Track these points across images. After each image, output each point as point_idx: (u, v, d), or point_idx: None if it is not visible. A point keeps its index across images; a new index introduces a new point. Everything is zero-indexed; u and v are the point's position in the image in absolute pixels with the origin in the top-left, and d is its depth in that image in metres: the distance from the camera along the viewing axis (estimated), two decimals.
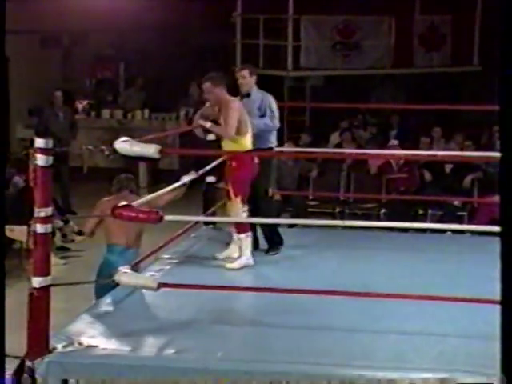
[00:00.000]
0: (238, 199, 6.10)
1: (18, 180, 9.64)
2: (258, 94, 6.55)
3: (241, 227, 6.13)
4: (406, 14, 13.84)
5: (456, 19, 13.89)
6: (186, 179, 6.07)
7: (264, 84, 15.06)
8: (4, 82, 4.47)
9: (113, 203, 5.91)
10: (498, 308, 4.85)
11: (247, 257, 6.09)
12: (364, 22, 13.64)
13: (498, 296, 4.96)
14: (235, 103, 6.10)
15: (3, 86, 4.43)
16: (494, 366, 4.28)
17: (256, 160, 6.17)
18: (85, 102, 14.55)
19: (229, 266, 6.04)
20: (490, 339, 4.65)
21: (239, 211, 6.10)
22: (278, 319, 5.02)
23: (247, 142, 6.13)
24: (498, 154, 10.07)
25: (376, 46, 13.62)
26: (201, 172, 6.53)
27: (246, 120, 6.13)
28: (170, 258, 6.27)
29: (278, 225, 6.71)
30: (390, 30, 13.64)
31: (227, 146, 6.12)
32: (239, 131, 6.06)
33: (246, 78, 6.50)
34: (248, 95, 6.49)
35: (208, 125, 6.16)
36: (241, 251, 6.12)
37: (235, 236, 6.23)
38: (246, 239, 6.12)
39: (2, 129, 4.49)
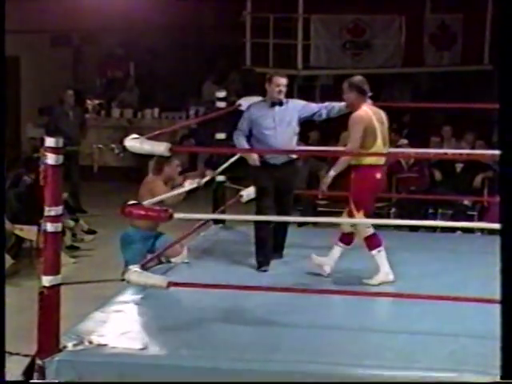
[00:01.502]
0: (361, 214, 5.70)
1: (26, 179, 9.66)
2: (290, 103, 6.27)
3: (370, 243, 5.75)
4: (417, 13, 13.80)
5: (467, 18, 13.84)
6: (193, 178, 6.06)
7: None
8: (4, 81, 4.47)
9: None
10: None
11: (385, 272, 5.70)
12: (374, 21, 13.60)
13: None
14: (361, 113, 5.71)
15: (3, 85, 4.44)
16: None
17: (378, 175, 5.72)
18: (95, 102, 14.57)
19: (366, 281, 5.69)
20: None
21: (365, 227, 5.72)
22: (288, 318, 5.01)
23: (374, 158, 5.70)
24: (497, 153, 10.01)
25: (386, 45, 13.58)
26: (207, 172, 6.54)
27: (373, 130, 5.68)
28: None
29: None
30: (400, 28, 13.60)
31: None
32: (363, 144, 5.65)
33: (286, 87, 6.23)
34: (281, 103, 6.22)
35: (331, 173, 5.73)
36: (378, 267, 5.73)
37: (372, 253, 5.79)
38: (379, 254, 5.73)
39: (2, 129, 4.49)
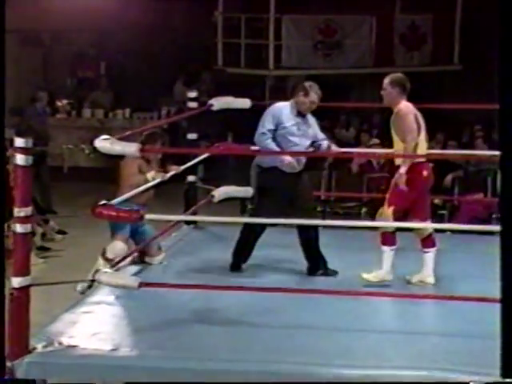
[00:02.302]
0: (390, 210, 5.63)
1: None
2: (310, 117, 6.09)
3: (386, 240, 5.66)
4: (387, 14, 13.88)
5: (436, 18, 13.95)
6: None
7: (245, 83, 15.00)
8: (3, 81, 4.44)
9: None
10: (476, 306, 4.89)
11: (386, 271, 5.64)
12: (345, 22, 13.66)
13: (477, 294, 5.00)
14: (405, 109, 5.66)
15: (3, 85, 4.40)
16: (473, 364, 4.31)
17: (425, 173, 5.64)
18: (65, 102, 14.48)
19: (365, 276, 5.62)
20: (469, 337, 4.69)
21: (387, 223, 5.62)
22: (259, 318, 5.02)
23: (418, 150, 5.61)
24: (478, 153, 10.12)
25: (357, 46, 13.65)
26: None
27: (419, 123, 5.65)
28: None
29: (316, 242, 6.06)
30: (370, 29, 13.67)
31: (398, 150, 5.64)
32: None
33: None
34: (304, 116, 6.03)
35: (402, 170, 5.52)
36: (382, 263, 5.66)
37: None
38: (389, 253, 5.65)
39: (2, 128, 4.45)
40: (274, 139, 5.95)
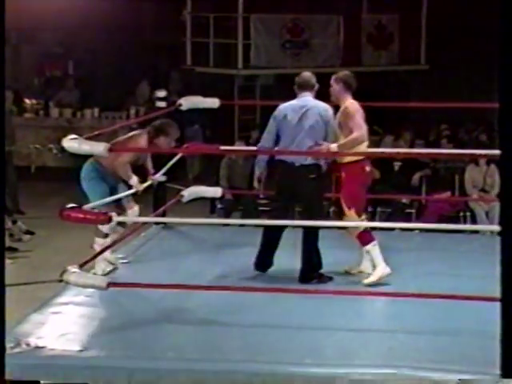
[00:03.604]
0: (352, 212, 5.68)
1: None
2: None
3: (364, 239, 5.68)
4: (354, 13, 13.96)
5: (403, 19, 14.06)
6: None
7: (214, 83, 14.94)
8: (3, 80, 4.41)
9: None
10: (444, 303, 4.95)
11: (382, 266, 5.63)
12: (313, 21, 13.71)
13: (446, 292, 5.05)
14: (353, 106, 5.68)
15: (3, 83, 4.37)
16: (441, 361, 4.35)
17: (368, 168, 5.73)
18: (33, 101, 14.37)
19: (366, 281, 5.60)
20: (437, 334, 4.74)
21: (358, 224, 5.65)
22: (229, 318, 5.03)
23: (361, 150, 5.66)
24: (445, 151, 10.14)
25: (325, 45, 13.70)
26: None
27: (363, 121, 5.67)
28: (119, 258, 6.23)
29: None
30: (338, 28, 13.73)
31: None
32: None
33: None
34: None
35: (333, 146, 5.56)
36: (374, 263, 5.68)
37: (363, 249, 5.76)
38: (374, 248, 5.66)
39: (2, 127, 4.41)
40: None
